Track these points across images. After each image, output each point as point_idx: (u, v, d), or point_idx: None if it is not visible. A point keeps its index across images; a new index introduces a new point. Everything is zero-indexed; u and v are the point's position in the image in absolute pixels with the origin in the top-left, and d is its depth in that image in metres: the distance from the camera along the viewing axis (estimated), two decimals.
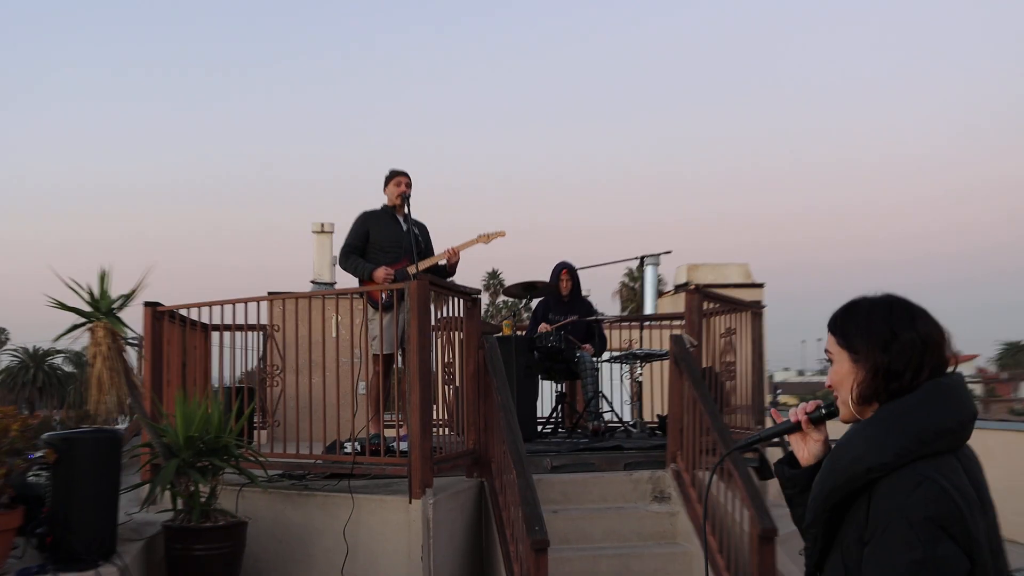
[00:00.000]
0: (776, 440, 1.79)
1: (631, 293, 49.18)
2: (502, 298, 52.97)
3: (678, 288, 14.65)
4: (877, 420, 1.47)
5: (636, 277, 49.27)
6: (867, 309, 1.54)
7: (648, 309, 12.61)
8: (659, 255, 8.15)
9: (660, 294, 13.88)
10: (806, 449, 1.66)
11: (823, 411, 1.64)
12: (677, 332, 6.00)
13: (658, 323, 8.82)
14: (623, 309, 43.55)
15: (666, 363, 6.93)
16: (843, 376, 1.54)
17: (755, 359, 6.63)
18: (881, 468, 1.42)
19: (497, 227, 5.66)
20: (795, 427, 1.66)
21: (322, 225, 10.28)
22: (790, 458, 1.69)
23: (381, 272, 5.59)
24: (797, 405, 1.73)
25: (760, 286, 13.13)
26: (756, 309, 6.74)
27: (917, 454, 1.41)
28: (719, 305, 6.40)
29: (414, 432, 4.73)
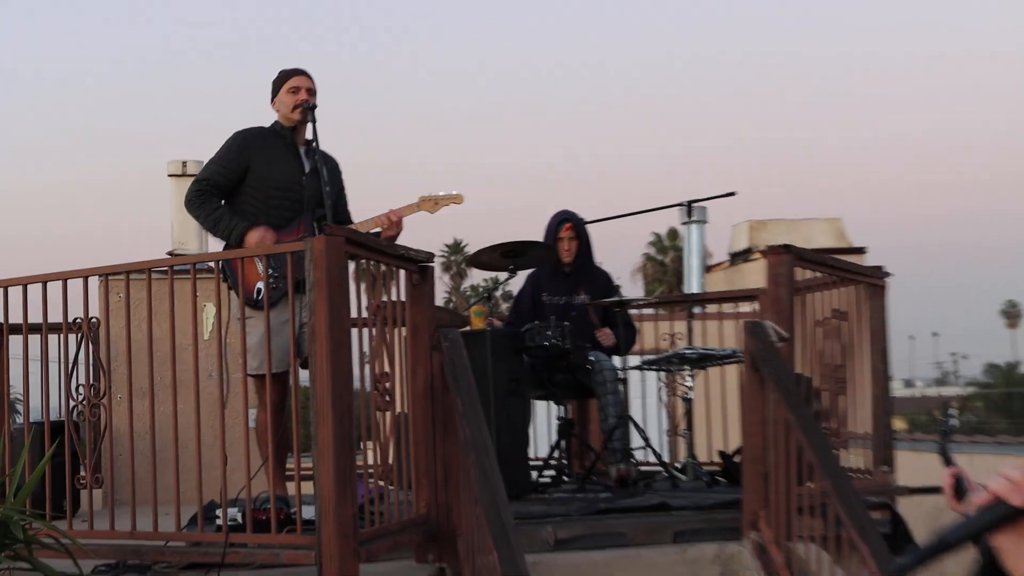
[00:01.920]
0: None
1: (660, 270, 49.57)
2: (473, 282, 53.06)
3: (735, 257, 14.64)
4: None
5: (666, 248, 49.69)
6: None
7: (692, 288, 12.51)
8: (714, 199, 7.84)
9: (708, 268, 13.84)
10: None
11: None
12: (748, 320, 5.73)
13: (716, 307, 8.69)
14: (647, 295, 43.71)
15: (732, 370, 6.91)
16: None
17: (876, 360, 6.46)
18: None
19: (449, 189, 5.56)
20: (1012, 512, 1.36)
21: (183, 164, 9.96)
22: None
23: (257, 236, 5.33)
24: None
25: (860, 251, 12.99)
26: (876, 279, 6.51)
27: None
28: (820, 274, 6.19)
29: (326, 492, 4.48)
